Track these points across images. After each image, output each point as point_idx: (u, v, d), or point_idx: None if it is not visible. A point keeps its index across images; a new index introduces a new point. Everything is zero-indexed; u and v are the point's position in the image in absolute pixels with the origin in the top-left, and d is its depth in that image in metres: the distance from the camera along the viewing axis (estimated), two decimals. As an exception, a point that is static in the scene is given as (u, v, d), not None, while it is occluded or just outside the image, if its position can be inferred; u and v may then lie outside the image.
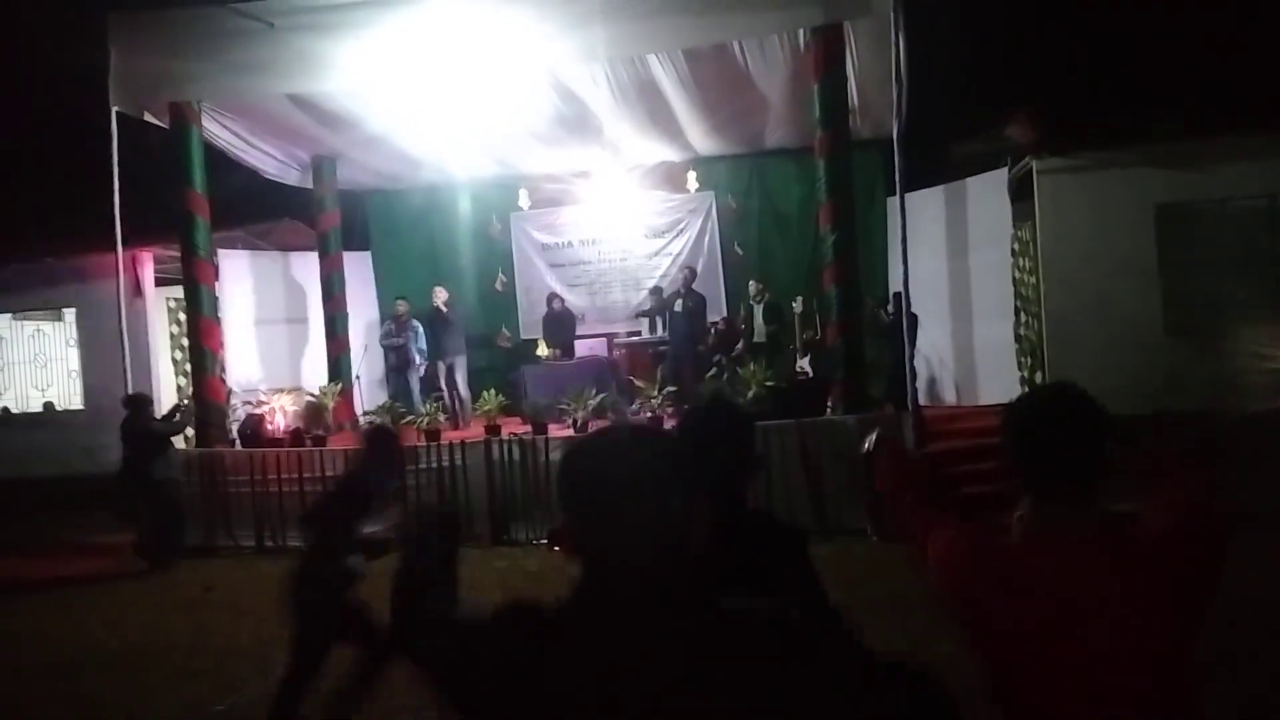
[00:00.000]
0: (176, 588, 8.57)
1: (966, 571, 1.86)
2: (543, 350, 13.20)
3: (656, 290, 12.81)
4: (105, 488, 11.01)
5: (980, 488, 8.58)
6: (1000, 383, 11.20)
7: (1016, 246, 11.15)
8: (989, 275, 11.50)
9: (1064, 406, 1.86)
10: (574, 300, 13.90)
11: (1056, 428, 1.84)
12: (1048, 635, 1.74)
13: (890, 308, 11.06)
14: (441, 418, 10.76)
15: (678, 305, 12.03)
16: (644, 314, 12.93)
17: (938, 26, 11.16)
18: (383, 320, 13.66)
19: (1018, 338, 11.12)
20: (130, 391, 9.95)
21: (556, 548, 9.07)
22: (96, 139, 10.24)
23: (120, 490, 9.55)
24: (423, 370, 12.54)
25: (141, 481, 9.26)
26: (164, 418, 9.86)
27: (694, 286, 12.40)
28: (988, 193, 11.48)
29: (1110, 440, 1.84)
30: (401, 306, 12.64)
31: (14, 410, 13.70)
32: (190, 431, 10.71)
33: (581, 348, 12.79)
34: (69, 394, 13.60)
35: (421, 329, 12.55)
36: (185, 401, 10.68)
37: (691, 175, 13.86)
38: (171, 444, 9.67)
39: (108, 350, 11.38)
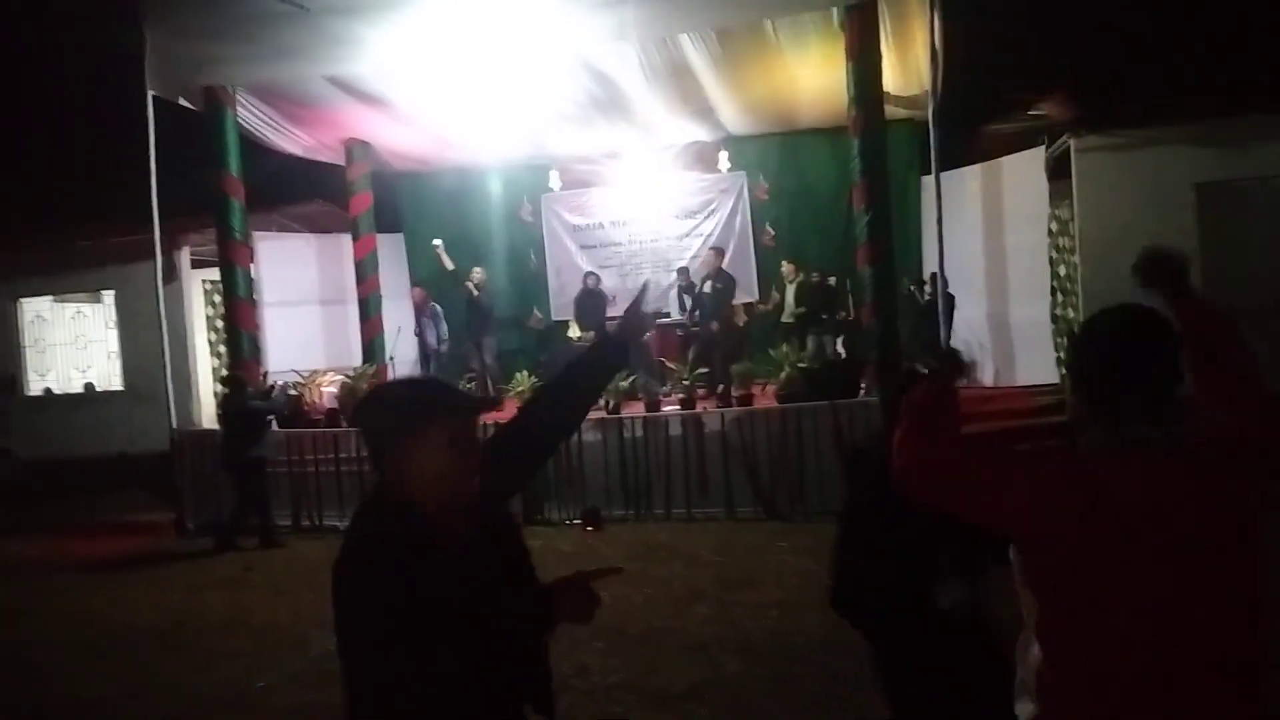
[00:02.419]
0: (215, 567, 8.70)
1: (1048, 494, 1.78)
2: (574, 332, 13.21)
3: (683, 270, 12.75)
4: (145, 467, 11.22)
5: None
6: (1037, 364, 11.08)
7: (1054, 226, 11.00)
8: (1025, 255, 11.36)
9: (1143, 326, 1.81)
10: (605, 281, 13.90)
11: (1138, 347, 1.79)
12: (1129, 557, 1.70)
13: (928, 288, 10.97)
14: (475, 399, 10.79)
15: (707, 286, 11.99)
16: (679, 291, 12.84)
17: (973, 3, 11.00)
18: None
19: (1054, 318, 10.99)
20: (233, 371, 10.05)
21: (590, 528, 9.12)
22: (133, 123, 10.34)
23: (223, 467, 9.63)
24: (444, 348, 12.63)
25: (237, 459, 9.34)
26: (260, 396, 9.94)
27: (724, 267, 12.34)
28: (1024, 172, 11.33)
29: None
30: (418, 294, 12.70)
31: (55, 391, 13.91)
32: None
33: (613, 328, 12.78)
34: (109, 375, 13.80)
35: (441, 312, 12.61)
36: (278, 381, 10.79)
37: (723, 155, 13.78)
38: (269, 422, 9.71)
39: (146, 331, 11.54)
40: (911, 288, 11.26)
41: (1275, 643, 1.78)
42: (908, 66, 10.33)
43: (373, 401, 2.08)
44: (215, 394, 13.34)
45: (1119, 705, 1.72)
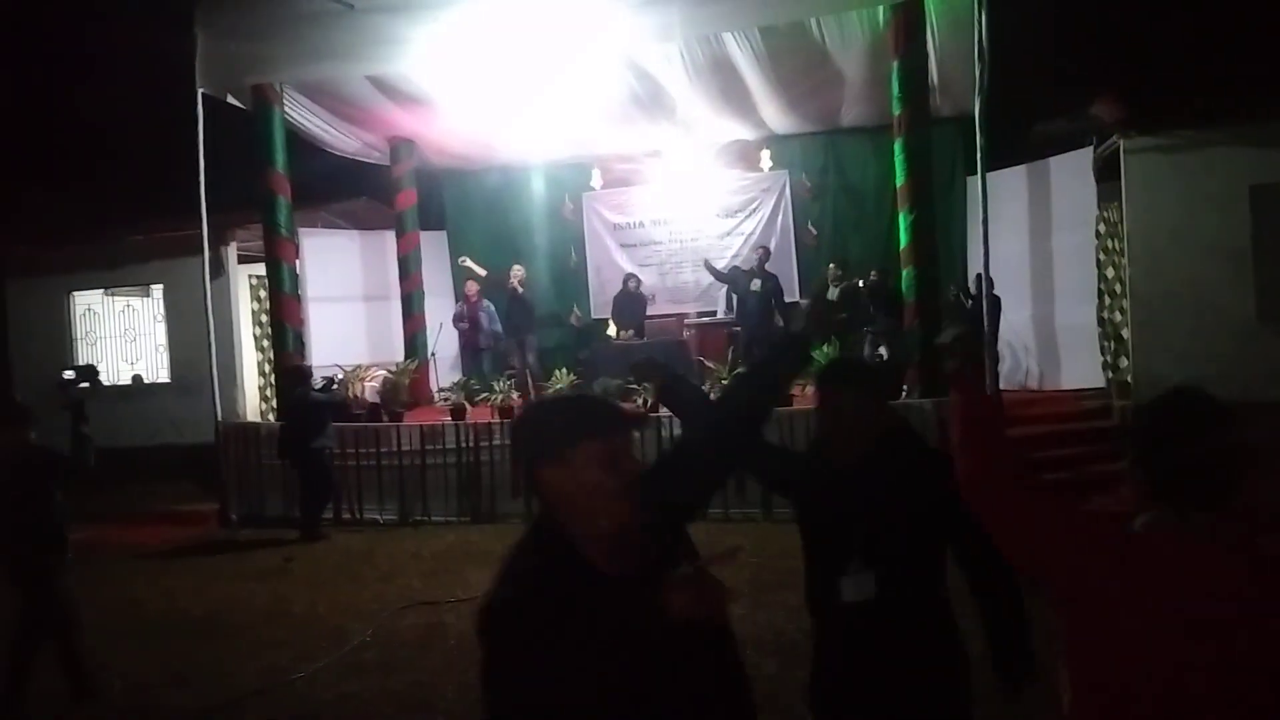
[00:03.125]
0: (257, 558, 8.82)
1: (1099, 560, 1.78)
2: (612, 330, 13.22)
3: (747, 272, 12.60)
4: (190, 458, 11.38)
5: (1060, 474, 8.42)
6: (1082, 368, 10.93)
7: (1102, 228, 10.81)
8: (1072, 257, 11.19)
9: (1200, 415, 1.80)
10: (645, 280, 13.89)
11: (1194, 437, 1.77)
12: (1172, 638, 1.69)
13: (972, 290, 10.83)
14: (515, 396, 10.85)
15: (754, 285, 11.92)
16: (720, 278, 12.69)
17: (1021, 1, 10.85)
18: (457, 299, 13.84)
19: (1101, 322, 10.81)
20: (296, 363, 10.17)
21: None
22: (184, 122, 10.51)
23: (280, 458, 9.77)
24: (495, 345, 12.66)
25: (301, 450, 9.45)
26: (321, 389, 10.04)
27: (767, 267, 12.27)
28: (1072, 173, 11.17)
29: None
30: (472, 287, 12.75)
31: (105, 382, 14.13)
32: (273, 405, 10.97)
33: (653, 328, 12.77)
34: (156, 367, 14.02)
35: (493, 309, 12.65)
36: (338, 374, 10.95)
37: (765, 154, 13.72)
38: (330, 414, 9.80)
39: (193, 325, 11.72)
40: (957, 293, 11.12)
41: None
42: (954, 65, 10.21)
43: (522, 421, 1.93)
44: (260, 387, 13.54)
45: None
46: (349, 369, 11.22)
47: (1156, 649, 1.70)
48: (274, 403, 12.78)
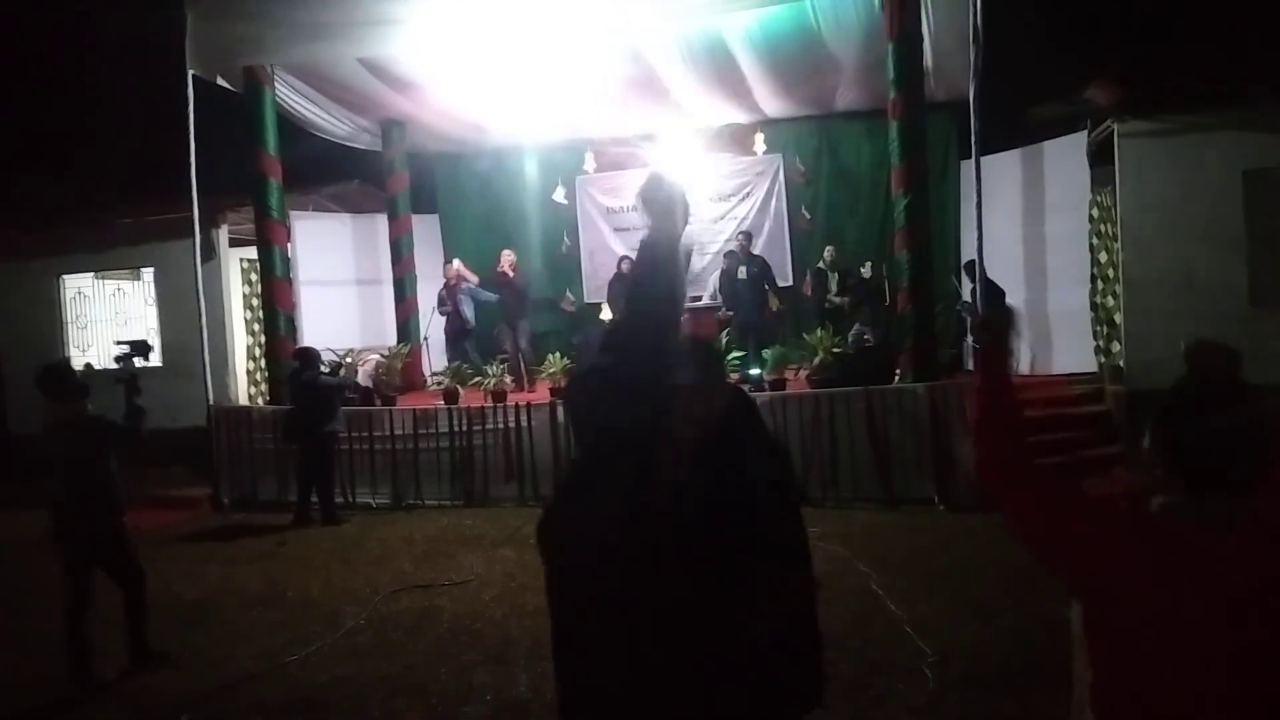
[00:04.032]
0: (250, 542, 8.81)
1: (1115, 544, 1.78)
2: (605, 314, 13.20)
3: (731, 255, 12.59)
4: (182, 442, 11.33)
5: (1053, 458, 8.44)
6: (1074, 352, 10.95)
7: (1096, 213, 10.82)
8: (1065, 242, 11.20)
9: (1229, 402, 1.81)
10: (639, 265, 13.83)
11: (1222, 424, 1.77)
12: (1190, 627, 1.68)
13: (967, 282, 10.85)
14: (507, 380, 10.84)
15: (741, 272, 11.91)
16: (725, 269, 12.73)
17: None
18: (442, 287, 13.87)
19: (1094, 306, 10.82)
20: (300, 346, 10.09)
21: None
22: (174, 103, 10.44)
23: (285, 441, 9.72)
24: (467, 330, 12.68)
25: (308, 434, 9.42)
26: (329, 372, 10.02)
27: (755, 251, 12.24)
28: (1066, 157, 11.16)
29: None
30: (450, 271, 12.73)
31: (96, 367, 14.05)
32: (264, 389, 10.92)
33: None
34: (150, 350, 13.99)
35: (477, 293, 12.65)
36: (346, 359, 10.92)
37: (759, 137, 13.68)
38: (338, 398, 9.77)
39: (184, 309, 11.66)
40: (955, 282, 11.15)
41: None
42: (949, 48, 10.18)
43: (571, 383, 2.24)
44: (249, 371, 13.50)
45: None
46: (342, 353, 11.18)
47: (1174, 636, 1.69)
48: (264, 387, 12.73)
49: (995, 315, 2.16)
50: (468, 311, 12.60)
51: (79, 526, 5.43)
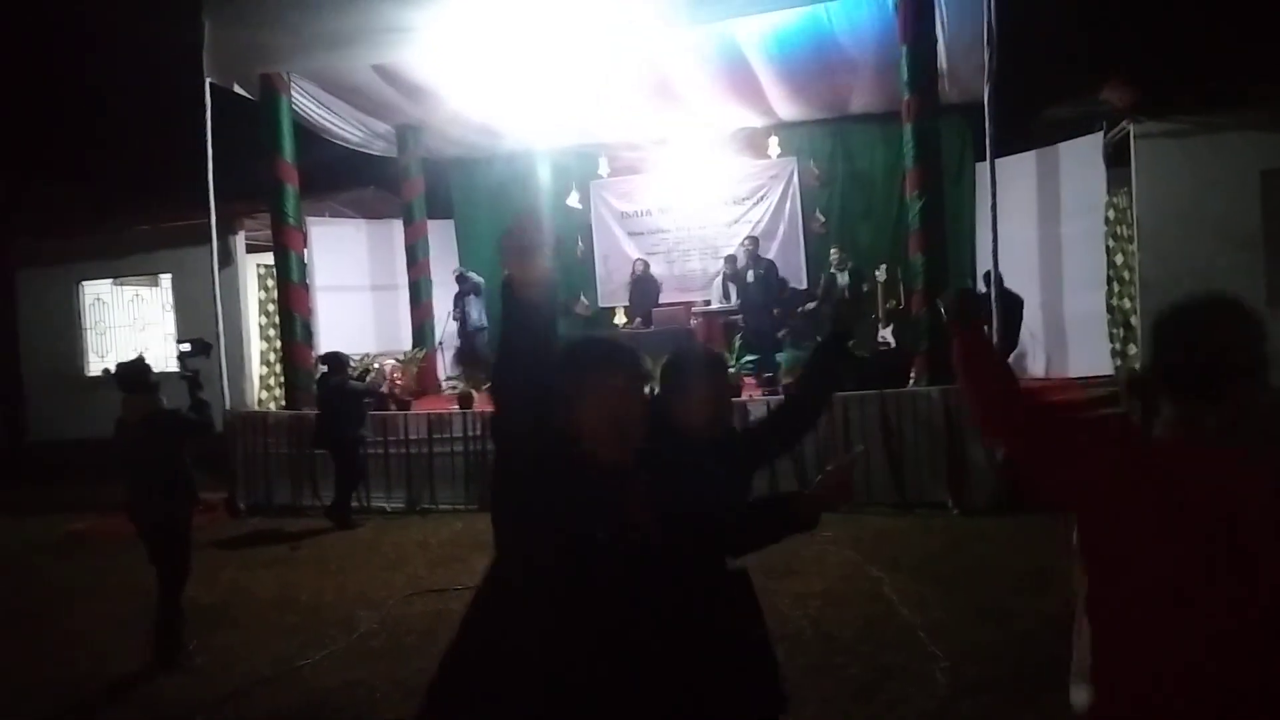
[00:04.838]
0: (265, 546, 8.85)
1: (1112, 470, 1.80)
2: (620, 318, 13.21)
3: (731, 259, 12.65)
4: (199, 446, 11.38)
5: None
6: (1090, 355, 10.87)
7: (1112, 214, 10.75)
8: (1081, 244, 11.13)
9: (1224, 312, 1.84)
10: (652, 269, 13.88)
11: (1215, 330, 1.81)
12: (1190, 545, 1.69)
13: (981, 287, 10.82)
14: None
15: (750, 276, 11.91)
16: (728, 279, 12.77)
17: (1031, -14, 10.77)
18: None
19: (1110, 309, 10.75)
20: (328, 351, 10.11)
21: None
22: (192, 110, 10.52)
23: (315, 446, 9.78)
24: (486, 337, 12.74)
25: (336, 438, 9.46)
26: (357, 377, 10.07)
27: (763, 254, 12.24)
28: (1081, 158, 11.09)
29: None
30: (458, 281, 12.81)
31: (114, 372, 14.22)
32: (280, 393, 10.98)
33: (660, 316, 12.77)
34: (165, 356, 14.06)
35: (479, 286, 12.69)
36: (375, 365, 10.98)
37: (773, 141, 13.68)
38: (366, 402, 9.81)
39: (201, 315, 11.73)
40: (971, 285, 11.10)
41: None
42: (963, 51, 10.15)
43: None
44: (262, 376, 13.57)
45: (1176, 696, 1.70)
46: (359, 358, 11.24)
47: (1191, 577, 1.70)
48: (278, 392, 12.80)
49: (956, 297, 2.26)
50: (474, 315, 12.62)
51: (154, 515, 5.74)
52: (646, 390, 2.13)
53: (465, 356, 12.67)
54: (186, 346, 6.49)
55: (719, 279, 12.67)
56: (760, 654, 2.48)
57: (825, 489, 2.28)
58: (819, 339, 3.49)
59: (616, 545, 1.91)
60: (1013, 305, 9.82)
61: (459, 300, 12.80)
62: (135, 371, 5.97)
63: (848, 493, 2.30)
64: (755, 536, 2.39)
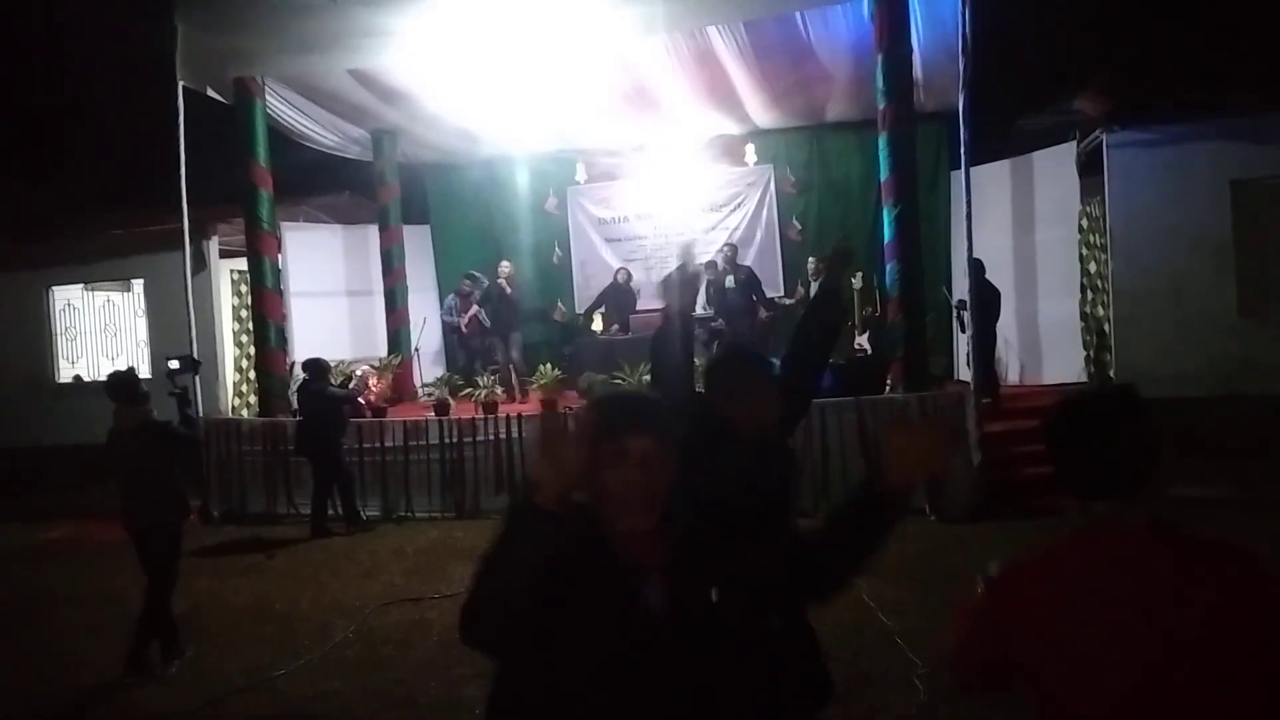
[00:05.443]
0: (239, 555, 8.75)
1: (1013, 590, 1.80)
2: (597, 325, 13.19)
3: (711, 264, 12.66)
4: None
5: (1042, 469, 8.44)
6: (1064, 362, 10.97)
7: (1085, 223, 10.86)
8: (1055, 252, 11.24)
9: (1105, 407, 1.83)
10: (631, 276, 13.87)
11: (1097, 429, 1.79)
12: (1099, 642, 1.67)
13: (955, 298, 10.89)
14: (499, 391, 10.82)
15: (729, 281, 11.93)
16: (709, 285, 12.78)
17: (1005, -5, 10.87)
18: (443, 294, 13.82)
19: (1083, 316, 10.86)
20: (309, 357, 9.97)
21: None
22: (164, 114, 10.41)
23: (296, 454, 9.71)
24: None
25: (317, 445, 9.40)
26: (340, 384, 10.00)
27: (742, 262, 12.26)
28: (1055, 167, 11.20)
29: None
30: (467, 284, 12.73)
31: (85, 378, 14.05)
32: (253, 400, 10.87)
33: (639, 324, 12.75)
34: (137, 363, 13.91)
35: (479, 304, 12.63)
36: (359, 370, 10.90)
37: (750, 148, 13.72)
38: (346, 409, 9.76)
39: (174, 321, 11.61)
40: (946, 292, 11.19)
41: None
42: (938, 60, 10.22)
43: (592, 404, 1.98)
44: (235, 383, 13.45)
45: None
46: (336, 364, 11.15)
47: (1097, 666, 1.68)
48: (251, 399, 12.68)
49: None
50: (484, 318, 12.57)
51: (144, 522, 5.84)
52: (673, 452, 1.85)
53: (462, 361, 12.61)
54: (175, 364, 6.59)
55: (703, 285, 12.67)
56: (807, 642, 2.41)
57: (903, 460, 1.76)
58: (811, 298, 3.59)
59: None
60: (991, 297, 9.89)
61: (464, 303, 12.68)
62: (125, 383, 6.03)
63: (941, 453, 1.76)
64: (852, 553, 1.94)
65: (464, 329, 12.79)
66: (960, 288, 10.42)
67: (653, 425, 1.80)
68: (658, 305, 13.44)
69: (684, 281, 3.23)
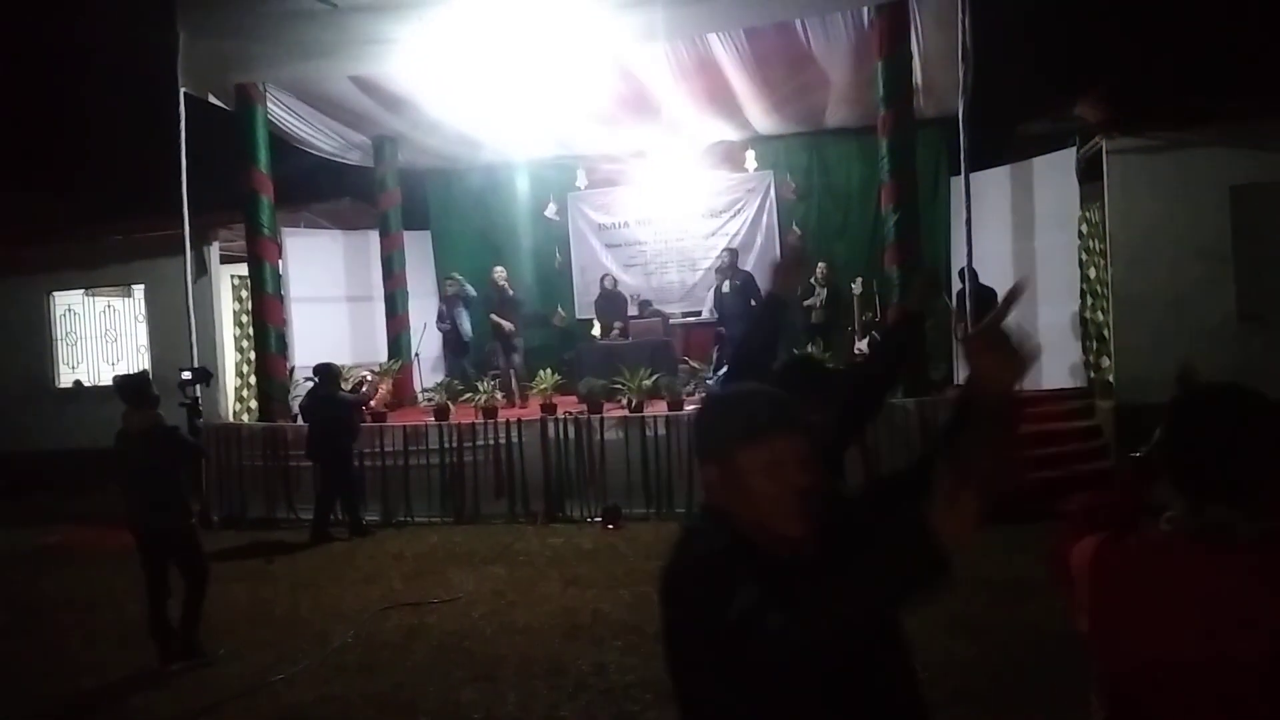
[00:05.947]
0: (239, 560, 8.75)
1: (1113, 577, 1.74)
2: (597, 330, 13.21)
3: (721, 270, 12.63)
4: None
5: (1046, 473, 8.45)
6: (1064, 368, 10.96)
7: (1085, 229, 10.87)
8: (1055, 258, 11.24)
9: (1238, 404, 1.73)
10: (630, 280, 13.88)
11: (1228, 427, 1.70)
12: (1192, 649, 1.64)
13: (952, 303, 10.90)
14: (499, 396, 10.83)
15: (726, 286, 11.94)
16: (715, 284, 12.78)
17: (1005, 1, 10.89)
18: (440, 300, 13.87)
19: (1083, 322, 10.87)
20: (320, 363, 9.96)
21: (610, 525, 9.11)
22: (166, 120, 10.44)
23: (309, 459, 9.71)
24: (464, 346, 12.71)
25: (327, 449, 9.41)
26: (350, 389, 10.03)
27: (742, 267, 12.28)
28: (1055, 173, 11.21)
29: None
30: (450, 287, 12.73)
31: (85, 384, 14.05)
32: (254, 405, 10.87)
33: (638, 328, 12.77)
34: (137, 368, 13.93)
35: (468, 296, 12.67)
36: (367, 375, 10.92)
37: (750, 154, 13.74)
38: (356, 414, 9.78)
39: (175, 326, 11.62)
40: (945, 298, 11.19)
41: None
42: (938, 66, 10.24)
43: (718, 402, 1.85)
44: (236, 388, 13.45)
45: None
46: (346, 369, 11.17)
47: (1188, 672, 1.65)
48: (251, 404, 12.69)
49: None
50: (465, 326, 12.60)
51: (152, 524, 5.92)
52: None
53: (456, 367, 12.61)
54: (187, 375, 6.80)
55: (712, 290, 12.67)
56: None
57: (990, 368, 1.54)
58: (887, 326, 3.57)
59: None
60: (988, 300, 9.90)
61: (451, 308, 12.69)
62: (136, 386, 6.12)
63: (1013, 469, 1.52)
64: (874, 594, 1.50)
65: (438, 328, 12.81)
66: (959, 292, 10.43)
67: (801, 423, 1.66)
68: (650, 313, 13.54)
69: (786, 266, 2.94)
